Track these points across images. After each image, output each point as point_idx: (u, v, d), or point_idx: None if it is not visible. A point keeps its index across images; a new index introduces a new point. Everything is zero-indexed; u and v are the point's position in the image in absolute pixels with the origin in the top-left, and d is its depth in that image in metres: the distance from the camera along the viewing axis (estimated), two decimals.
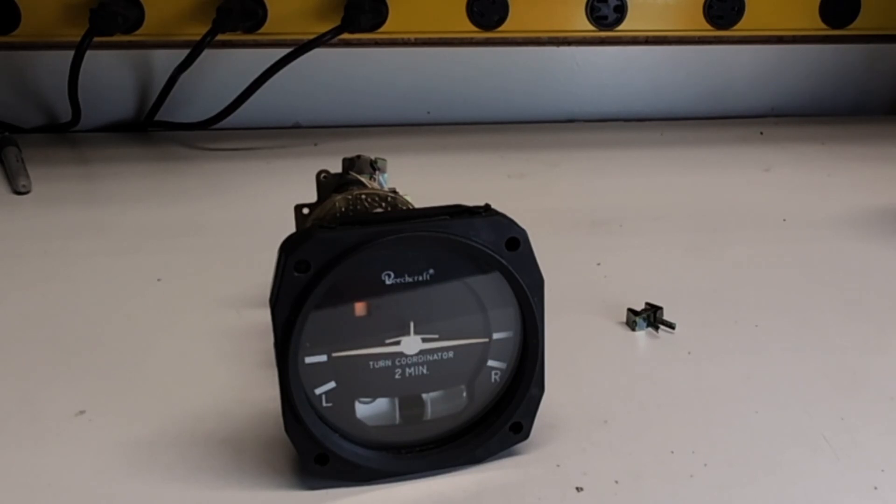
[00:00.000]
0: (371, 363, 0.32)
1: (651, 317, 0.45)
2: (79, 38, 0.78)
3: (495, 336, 0.34)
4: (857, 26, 0.91)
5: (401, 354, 0.33)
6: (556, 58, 0.89)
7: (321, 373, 0.32)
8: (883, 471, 0.34)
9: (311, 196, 0.47)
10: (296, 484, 0.33)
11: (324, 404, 0.32)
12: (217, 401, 0.38)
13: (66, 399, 0.39)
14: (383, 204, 0.43)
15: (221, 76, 0.84)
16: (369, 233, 0.31)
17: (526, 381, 0.34)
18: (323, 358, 0.32)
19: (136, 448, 0.35)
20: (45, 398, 0.39)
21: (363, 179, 0.45)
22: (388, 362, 0.33)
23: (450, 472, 0.34)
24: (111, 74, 0.84)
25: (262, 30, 0.84)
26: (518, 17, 0.86)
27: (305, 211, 0.46)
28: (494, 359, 0.34)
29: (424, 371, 0.33)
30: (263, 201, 0.65)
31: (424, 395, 0.34)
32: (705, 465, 0.34)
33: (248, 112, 0.81)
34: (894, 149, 0.81)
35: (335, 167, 0.48)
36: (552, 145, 0.83)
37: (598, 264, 0.54)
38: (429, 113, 0.89)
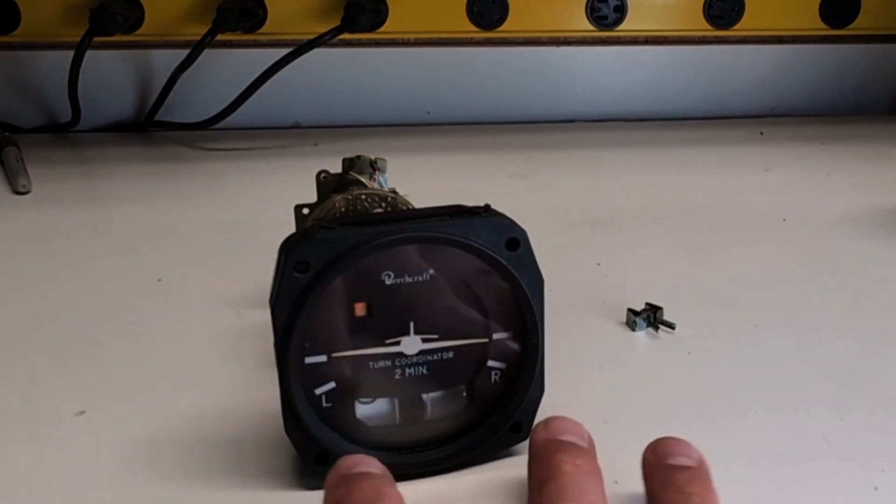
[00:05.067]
0: (371, 363, 0.32)
1: (651, 317, 0.45)
2: (79, 38, 0.78)
3: (495, 336, 0.34)
4: (857, 26, 0.90)
5: (401, 355, 0.33)
6: (556, 58, 0.89)
7: (321, 373, 0.32)
8: (883, 471, 0.34)
9: (311, 196, 0.47)
10: (296, 484, 0.33)
11: (324, 404, 0.32)
12: (217, 401, 0.39)
13: (66, 399, 0.39)
14: (383, 204, 0.43)
15: (221, 76, 0.84)
16: (369, 233, 0.31)
17: (526, 381, 0.34)
18: (323, 358, 0.32)
19: (136, 448, 0.35)
20: (45, 398, 0.39)
21: (363, 180, 0.45)
22: (388, 362, 0.33)
23: (450, 472, 0.34)
24: (111, 74, 0.84)
25: (262, 30, 0.84)
26: (518, 17, 0.86)
27: (305, 211, 0.46)
28: (494, 359, 0.34)
29: (424, 371, 0.33)
30: (263, 201, 0.65)
31: (424, 396, 0.34)
32: None
33: (248, 112, 0.81)
34: (894, 149, 0.81)
35: (335, 167, 0.48)
36: (552, 145, 0.83)
37: (598, 264, 0.54)
38: (429, 113, 0.89)
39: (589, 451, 0.31)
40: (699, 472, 0.30)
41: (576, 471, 0.29)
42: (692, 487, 0.29)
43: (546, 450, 0.30)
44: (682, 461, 0.30)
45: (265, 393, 0.38)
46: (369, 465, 0.30)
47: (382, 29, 0.85)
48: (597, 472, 0.30)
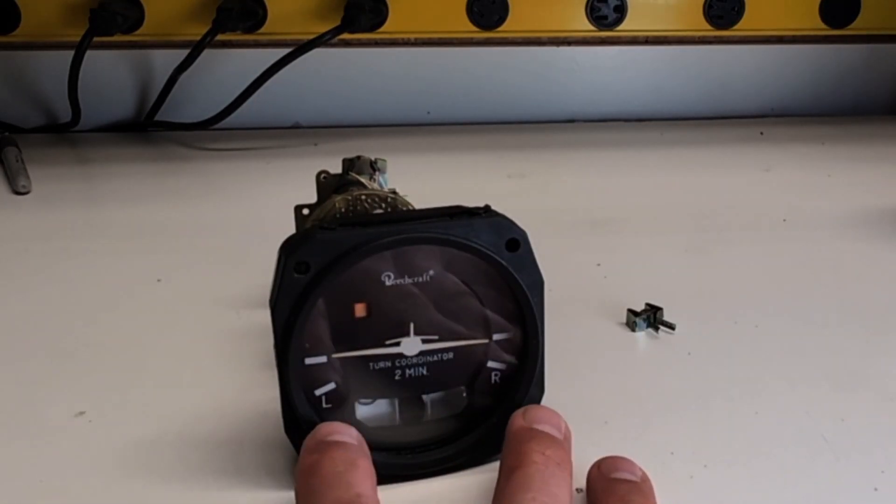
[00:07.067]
0: (371, 364, 0.32)
1: (651, 317, 0.45)
2: (79, 38, 0.78)
3: (495, 337, 0.34)
4: (857, 26, 0.90)
5: (401, 355, 0.33)
6: (556, 58, 0.89)
7: (321, 374, 0.32)
8: (883, 471, 0.34)
9: (311, 196, 0.47)
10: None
11: (324, 405, 0.32)
12: (217, 401, 0.39)
13: (66, 399, 0.39)
14: (383, 205, 0.43)
15: (221, 76, 0.84)
16: (369, 234, 0.31)
17: (526, 381, 0.34)
18: (323, 359, 0.32)
19: (136, 448, 0.35)
20: (45, 398, 0.39)
21: (363, 180, 0.45)
22: (388, 363, 0.33)
23: (450, 472, 0.34)
24: (111, 74, 0.84)
25: (262, 30, 0.84)
26: (518, 17, 0.86)
27: (305, 211, 0.46)
28: (494, 360, 0.34)
29: (424, 372, 0.33)
30: (263, 201, 0.65)
31: (424, 397, 0.34)
32: (705, 466, 0.34)
33: (248, 112, 0.81)
34: (894, 149, 0.81)
35: (335, 167, 0.48)
36: (552, 145, 0.83)
37: (598, 264, 0.54)
38: (429, 113, 0.89)
39: (562, 443, 0.31)
40: (641, 486, 0.31)
41: (545, 462, 0.29)
42: (633, 497, 0.30)
43: (519, 438, 0.31)
44: (626, 476, 0.31)
45: (265, 393, 0.38)
46: (345, 434, 0.30)
47: (382, 29, 0.85)
48: (566, 465, 0.30)
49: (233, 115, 0.81)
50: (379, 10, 0.83)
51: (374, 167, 0.47)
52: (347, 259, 0.31)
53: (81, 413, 0.38)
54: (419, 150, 0.80)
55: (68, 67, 0.79)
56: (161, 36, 0.83)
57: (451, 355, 0.33)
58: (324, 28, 0.79)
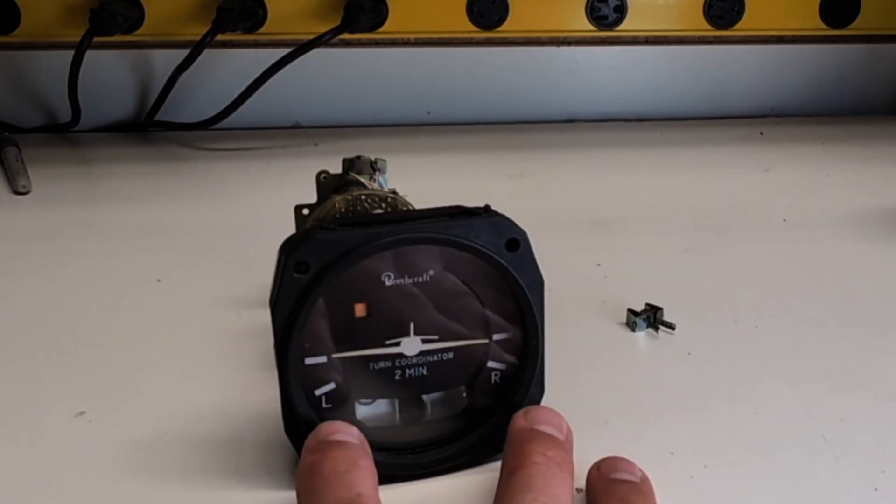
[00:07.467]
0: (371, 364, 0.33)
1: (651, 317, 0.45)
2: (79, 38, 0.78)
3: (495, 337, 0.34)
4: (857, 26, 0.90)
5: (401, 355, 0.33)
6: (556, 58, 0.89)
7: (321, 374, 0.32)
8: (883, 472, 0.34)
9: (311, 196, 0.47)
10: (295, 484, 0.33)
11: (324, 405, 0.32)
12: (217, 401, 0.39)
13: (66, 399, 0.39)
14: (383, 205, 0.43)
15: (221, 76, 0.84)
16: (369, 234, 0.31)
17: (526, 381, 0.34)
18: (323, 359, 0.32)
19: (136, 448, 0.35)
20: (45, 398, 0.39)
21: (363, 180, 0.45)
22: (388, 363, 0.33)
23: (450, 472, 0.34)
24: (111, 74, 0.84)
25: (262, 30, 0.84)
26: (518, 17, 0.86)
27: (305, 211, 0.46)
28: (494, 360, 0.34)
29: (424, 372, 0.33)
30: (263, 201, 0.65)
31: (424, 397, 0.34)
32: (705, 466, 0.34)
33: (248, 112, 0.81)
34: (894, 149, 0.81)
35: (335, 167, 0.48)
36: (552, 145, 0.83)
37: (598, 264, 0.54)
38: (429, 113, 0.89)
39: (563, 444, 0.31)
40: (641, 486, 0.31)
41: (546, 462, 0.29)
42: (633, 497, 0.30)
43: (520, 438, 0.31)
44: (626, 476, 0.31)
45: (265, 393, 0.38)
46: (347, 433, 0.30)
47: (382, 29, 0.85)
48: (567, 466, 0.30)
49: (233, 115, 0.81)
50: (379, 10, 0.83)
51: (374, 167, 0.47)
52: (347, 259, 0.31)
53: (81, 413, 0.38)
54: (419, 150, 0.80)
55: (68, 67, 0.79)
56: (161, 36, 0.83)
57: (451, 355, 0.33)
58: (324, 28, 0.79)
